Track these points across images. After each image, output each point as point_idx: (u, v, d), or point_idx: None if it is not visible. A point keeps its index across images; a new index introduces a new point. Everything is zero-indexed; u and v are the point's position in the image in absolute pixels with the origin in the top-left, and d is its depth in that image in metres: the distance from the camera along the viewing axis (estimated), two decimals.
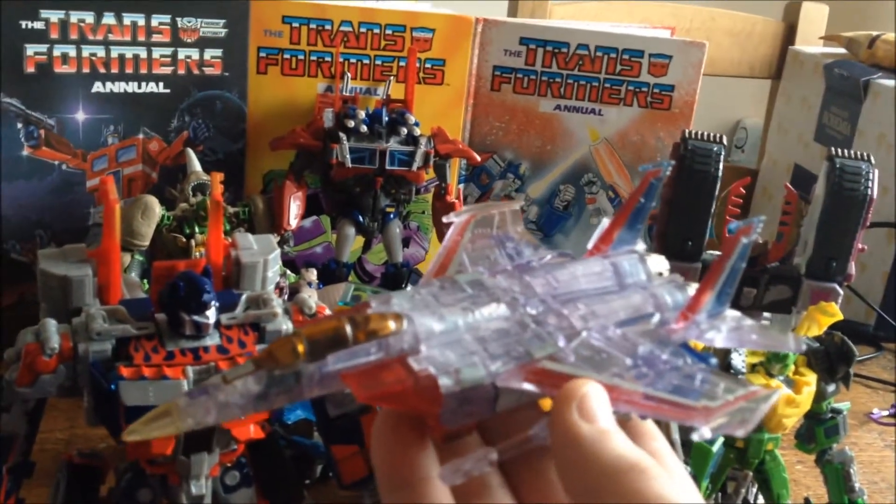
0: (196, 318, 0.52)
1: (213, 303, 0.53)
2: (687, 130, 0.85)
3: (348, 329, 0.30)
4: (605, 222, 0.40)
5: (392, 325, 0.30)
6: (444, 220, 0.38)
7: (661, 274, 0.39)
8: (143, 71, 0.96)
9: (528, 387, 0.31)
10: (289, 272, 0.88)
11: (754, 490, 0.73)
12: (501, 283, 0.34)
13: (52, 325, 0.52)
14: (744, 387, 0.31)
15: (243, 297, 0.56)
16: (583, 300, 0.35)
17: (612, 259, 0.38)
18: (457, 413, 0.30)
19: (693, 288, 0.37)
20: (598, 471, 0.29)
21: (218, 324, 0.54)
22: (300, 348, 0.29)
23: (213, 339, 0.53)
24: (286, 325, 0.56)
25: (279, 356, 0.29)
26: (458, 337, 0.31)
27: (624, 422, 0.33)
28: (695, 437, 0.30)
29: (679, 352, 0.33)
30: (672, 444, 0.67)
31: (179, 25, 0.96)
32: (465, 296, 0.33)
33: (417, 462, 0.31)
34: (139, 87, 0.97)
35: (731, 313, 0.37)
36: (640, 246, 0.40)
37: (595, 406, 0.30)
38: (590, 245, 0.39)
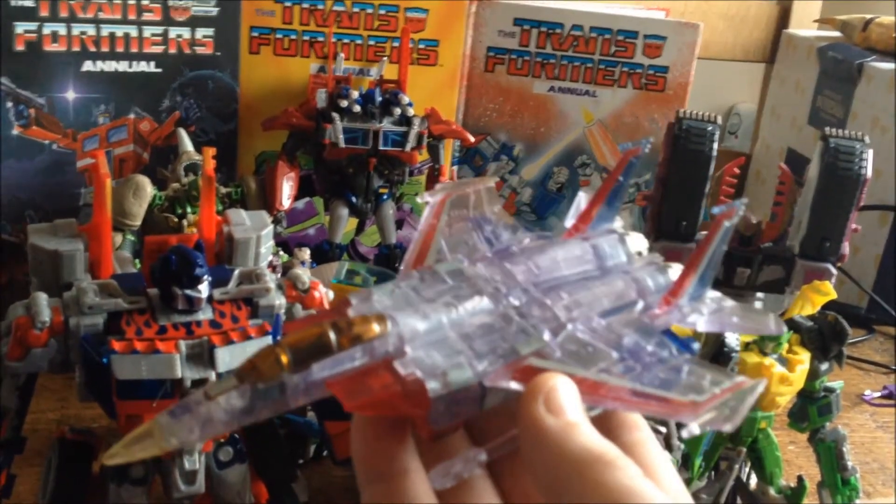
0: (188, 292, 0.52)
1: (205, 277, 0.52)
2: (681, 110, 0.84)
3: (332, 336, 0.29)
4: (583, 200, 0.39)
5: (376, 327, 0.29)
6: (419, 199, 0.37)
7: (640, 253, 0.38)
8: (134, 50, 0.95)
9: (516, 385, 0.30)
10: (282, 252, 0.87)
11: (747, 468, 0.73)
12: (482, 272, 0.34)
13: (42, 298, 0.51)
14: (729, 378, 0.30)
15: (236, 273, 0.55)
16: (565, 288, 0.34)
17: (593, 241, 0.37)
18: (445, 414, 0.30)
19: (674, 269, 0.37)
20: (562, 464, 0.29)
21: (210, 298, 0.53)
22: (284, 359, 0.28)
23: (205, 314, 0.53)
24: (279, 300, 0.56)
25: (263, 368, 0.28)
26: (443, 335, 0.31)
27: (607, 412, 0.32)
28: (684, 433, 0.29)
29: (664, 341, 0.33)
30: (666, 423, 0.67)
31: (170, 4, 0.95)
32: (446, 288, 0.32)
33: (395, 455, 0.31)
34: (130, 66, 0.96)
35: (712, 294, 0.36)
36: (618, 223, 0.39)
37: (562, 399, 0.30)
38: (568, 223, 0.39)
